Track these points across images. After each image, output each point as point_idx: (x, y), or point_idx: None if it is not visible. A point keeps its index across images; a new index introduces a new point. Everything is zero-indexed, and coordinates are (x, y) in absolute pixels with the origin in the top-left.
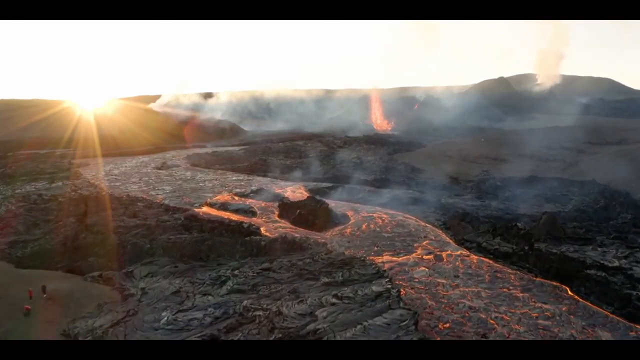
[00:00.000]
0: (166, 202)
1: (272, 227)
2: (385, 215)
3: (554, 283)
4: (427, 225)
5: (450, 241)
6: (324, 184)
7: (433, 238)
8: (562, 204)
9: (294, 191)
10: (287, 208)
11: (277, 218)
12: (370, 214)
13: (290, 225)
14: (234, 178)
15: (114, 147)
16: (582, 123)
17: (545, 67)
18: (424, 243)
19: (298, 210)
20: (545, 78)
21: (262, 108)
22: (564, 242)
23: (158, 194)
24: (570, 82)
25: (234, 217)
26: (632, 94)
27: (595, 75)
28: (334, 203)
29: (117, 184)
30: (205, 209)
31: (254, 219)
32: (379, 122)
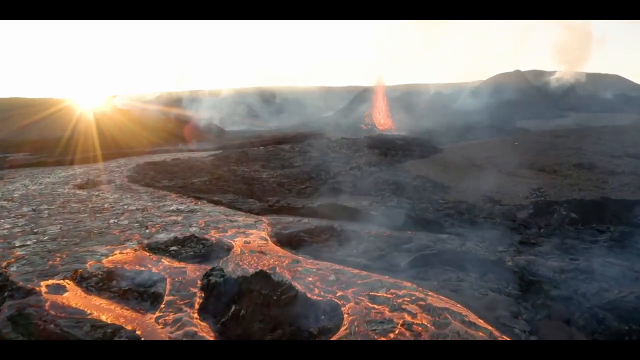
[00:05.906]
0: (14, 268)
1: None
2: (415, 315)
3: None
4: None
5: None
6: (304, 222)
7: None
8: None
9: (252, 240)
10: (217, 295)
11: (195, 316)
12: (387, 310)
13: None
14: (172, 207)
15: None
16: (629, 122)
17: (569, 60)
18: None
19: (234, 307)
20: (567, 73)
21: (255, 105)
22: None
23: (24, 245)
24: (580, 78)
25: (112, 313)
26: None
27: (602, 71)
28: (313, 269)
29: None
30: (68, 291)
31: (147, 317)
32: (383, 121)
